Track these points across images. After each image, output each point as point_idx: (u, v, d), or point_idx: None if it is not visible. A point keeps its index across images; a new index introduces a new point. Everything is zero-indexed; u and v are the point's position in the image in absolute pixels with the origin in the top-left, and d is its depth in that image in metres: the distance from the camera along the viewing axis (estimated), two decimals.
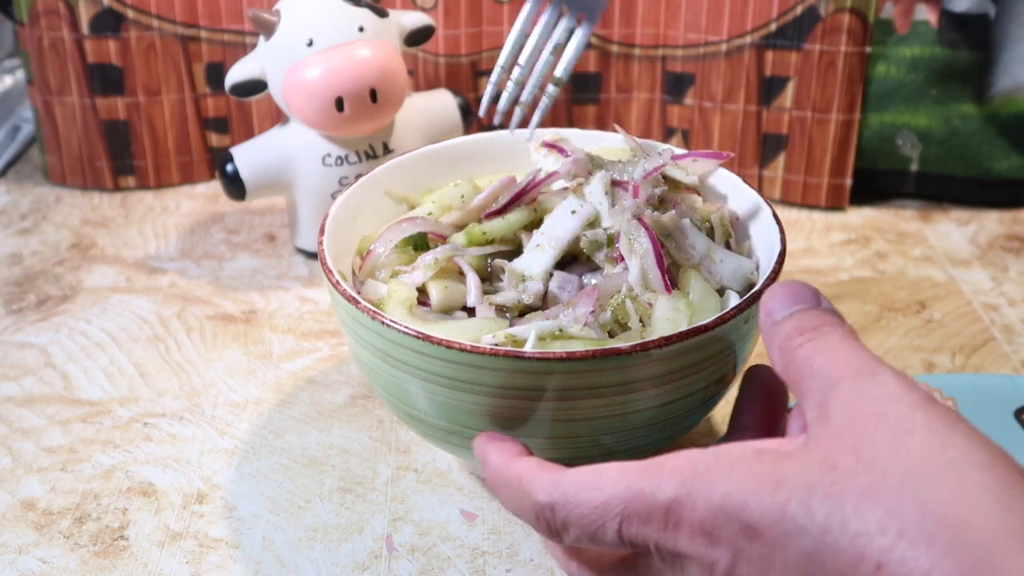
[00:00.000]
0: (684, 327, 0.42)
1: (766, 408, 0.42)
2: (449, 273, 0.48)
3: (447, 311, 0.47)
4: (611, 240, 0.48)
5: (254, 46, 0.66)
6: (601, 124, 0.79)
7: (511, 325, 0.45)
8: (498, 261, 0.49)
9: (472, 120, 0.72)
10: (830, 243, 0.72)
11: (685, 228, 0.47)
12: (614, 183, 0.49)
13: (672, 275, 0.47)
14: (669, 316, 0.44)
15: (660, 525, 0.33)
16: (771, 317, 0.37)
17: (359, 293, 0.48)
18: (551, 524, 0.36)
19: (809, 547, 0.30)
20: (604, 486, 0.35)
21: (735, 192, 0.52)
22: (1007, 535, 0.28)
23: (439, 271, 0.48)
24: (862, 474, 0.30)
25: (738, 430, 0.42)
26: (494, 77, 0.52)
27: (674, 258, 0.47)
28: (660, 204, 0.49)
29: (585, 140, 0.55)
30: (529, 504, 0.37)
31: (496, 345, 0.43)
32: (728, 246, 0.50)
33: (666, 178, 0.51)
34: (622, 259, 0.47)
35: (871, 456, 0.31)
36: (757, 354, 0.46)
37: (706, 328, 0.41)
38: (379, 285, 0.49)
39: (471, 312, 0.47)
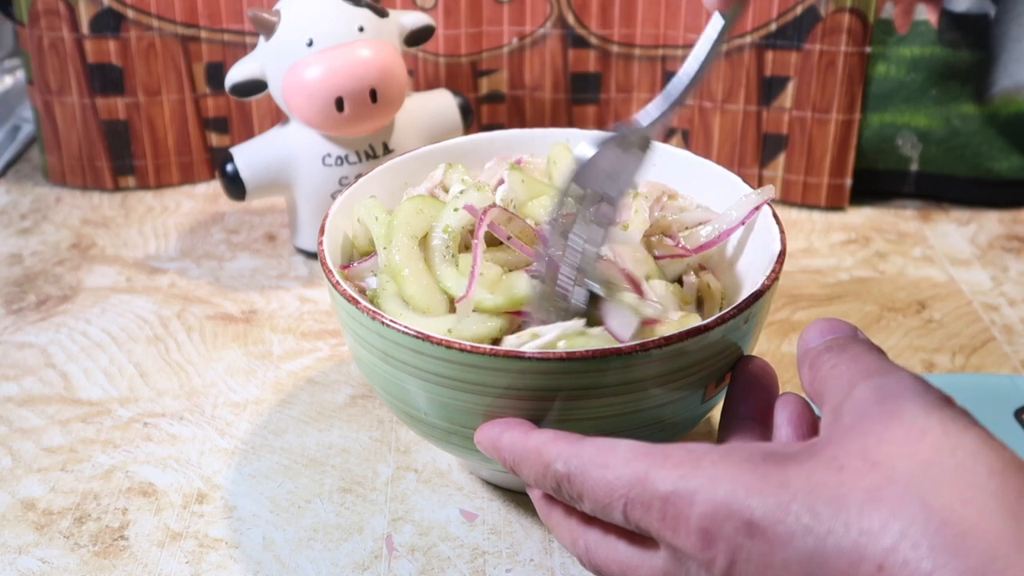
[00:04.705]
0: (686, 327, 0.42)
1: (759, 398, 0.42)
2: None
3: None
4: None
5: (254, 46, 0.66)
6: (601, 124, 0.79)
7: (523, 323, 0.45)
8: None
9: (472, 120, 0.72)
10: (830, 243, 0.72)
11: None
12: None
13: None
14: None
15: (659, 515, 0.33)
16: (806, 345, 0.38)
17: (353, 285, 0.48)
18: (569, 494, 0.37)
19: (811, 547, 0.30)
20: (612, 464, 0.35)
21: (735, 192, 0.52)
22: (1013, 543, 0.27)
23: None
24: (869, 474, 0.30)
25: (733, 419, 0.42)
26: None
27: None
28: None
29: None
30: (550, 474, 0.37)
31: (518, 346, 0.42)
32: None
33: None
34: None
35: (879, 456, 0.31)
36: (757, 355, 0.46)
37: (706, 328, 0.41)
38: (370, 279, 0.49)
39: None
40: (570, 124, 0.79)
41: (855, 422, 0.32)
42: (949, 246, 0.72)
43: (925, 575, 0.28)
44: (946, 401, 0.32)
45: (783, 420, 0.39)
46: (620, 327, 0.43)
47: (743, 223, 0.49)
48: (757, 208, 0.49)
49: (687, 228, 0.50)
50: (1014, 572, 0.27)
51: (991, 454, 0.30)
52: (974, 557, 0.27)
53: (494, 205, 0.46)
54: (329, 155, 0.66)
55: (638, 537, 0.36)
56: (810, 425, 0.39)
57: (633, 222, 0.49)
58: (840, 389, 0.34)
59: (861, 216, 0.75)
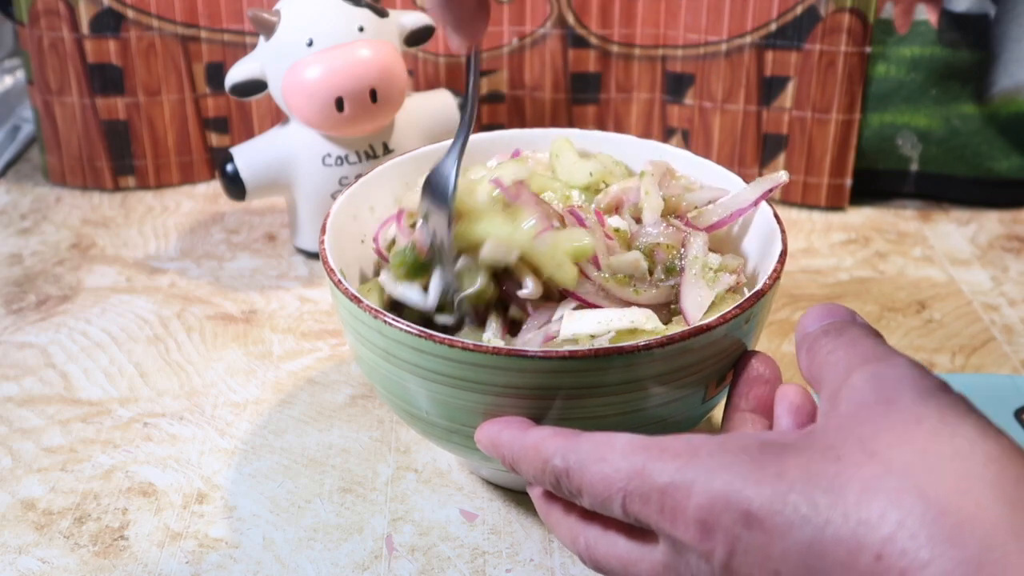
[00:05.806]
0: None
1: (761, 393, 0.42)
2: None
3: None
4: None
5: (254, 46, 0.66)
6: (601, 124, 0.79)
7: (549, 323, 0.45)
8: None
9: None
10: (830, 243, 0.72)
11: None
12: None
13: None
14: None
15: (657, 507, 0.33)
16: (804, 329, 0.38)
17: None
18: (568, 489, 0.37)
19: (810, 537, 0.30)
20: (610, 458, 0.35)
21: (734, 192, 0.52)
22: (1011, 532, 0.27)
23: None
24: (866, 464, 0.30)
25: (735, 413, 0.42)
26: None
27: None
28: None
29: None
30: (549, 470, 0.37)
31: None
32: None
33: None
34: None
35: (877, 445, 0.31)
36: None
37: (708, 328, 0.41)
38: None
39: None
40: (570, 124, 0.79)
41: (852, 410, 0.32)
42: (949, 246, 0.72)
43: (923, 564, 0.28)
44: (943, 388, 0.32)
45: (783, 410, 0.39)
46: (692, 309, 0.44)
47: (755, 204, 0.49)
48: (770, 190, 0.49)
49: (696, 208, 0.50)
50: (1011, 561, 0.27)
51: (988, 442, 0.30)
52: (971, 546, 0.27)
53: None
54: (329, 155, 0.66)
55: (638, 532, 0.36)
56: (809, 414, 0.39)
57: (646, 202, 0.49)
58: (837, 375, 0.34)
59: (861, 216, 0.75)
